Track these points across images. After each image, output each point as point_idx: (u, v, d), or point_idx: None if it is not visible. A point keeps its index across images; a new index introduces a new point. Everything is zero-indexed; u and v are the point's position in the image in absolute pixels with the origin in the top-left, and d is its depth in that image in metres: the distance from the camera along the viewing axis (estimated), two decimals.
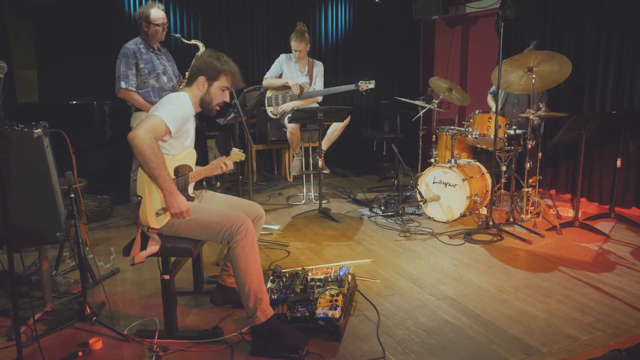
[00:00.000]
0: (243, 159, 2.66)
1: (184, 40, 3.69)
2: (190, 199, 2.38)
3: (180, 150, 2.33)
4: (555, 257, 3.31)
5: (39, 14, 4.85)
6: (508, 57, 3.69)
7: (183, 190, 2.32)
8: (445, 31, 6.61)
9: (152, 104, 3.33)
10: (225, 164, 2.54)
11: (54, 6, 4.84)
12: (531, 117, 3.82)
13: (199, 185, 3.43)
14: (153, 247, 2.21)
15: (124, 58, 3.56)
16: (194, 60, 2.40)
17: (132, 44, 3.61)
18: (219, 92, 2.38)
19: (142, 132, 2.06)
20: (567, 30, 4.72)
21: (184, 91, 2.39)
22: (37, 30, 4.92)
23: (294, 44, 4.67)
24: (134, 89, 3.57)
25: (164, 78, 3.68)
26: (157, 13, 3.61)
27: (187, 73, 2.60)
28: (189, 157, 2.38)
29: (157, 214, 2.21)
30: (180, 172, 2.31)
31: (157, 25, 3.60)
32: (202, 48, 3.60)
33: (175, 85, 3.78)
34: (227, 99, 2.45)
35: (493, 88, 4.78)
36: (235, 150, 2.64)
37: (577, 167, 3.87)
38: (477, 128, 4.17)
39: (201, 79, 2.34)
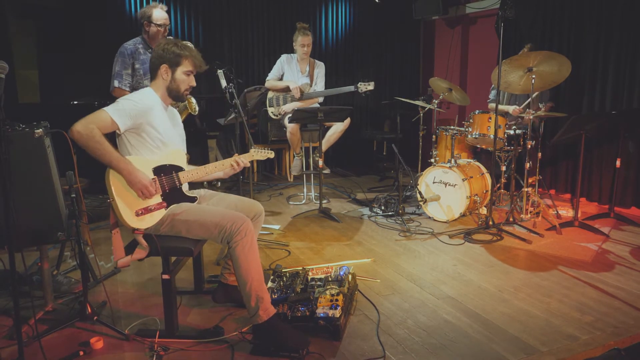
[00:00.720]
0: (272, 156, 2.61)
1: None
2: (189, 199, 2.38)
3: (158, 149, 2.32)
4: (555, 257, 3.32)
5: (40, 14, 4.86)
6: (508, 58, 3.70)
7: (174, 190, 2.32)
8: (445, 31, 6.62)
9: None
10: (237, 163, 2.47)
11: (55, 7, 4.84)
12: (531, 117, 3.82)
13: (198, 185, 3.44)
14: (139, 254, 2.22)
15: (120, 57, 3.57)
16: (152, 52, 2.37)
17: (130, 44, 3.61)
18: (184, 77, 2.37)
19: (79, 125, 2.08)
20: (567, 30, 4.73)
21: (148, 86, 2.39)
22: (38, 30, 4.93)
23: (301, 40, 4.66)
24: (127, 89, 3.57)
25: None
26: (159, 13, 3.60)
27: None
28: (173, 157, 2.36)
29: (138, 215, 2.20)
30: (164, 171, 2.30)
31: (159, 25, 3.59)
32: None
33: None
34: (194, 84, 2.42)
35: (493, 94, 4.78)
36: (255, 148, 2.57)
37: (577, 167, 3.88)
38: (477, 128, 4.18)
39: (163, 67, 2.33)
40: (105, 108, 2.17)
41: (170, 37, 3.61)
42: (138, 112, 2.23)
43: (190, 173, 2.38)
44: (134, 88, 3.60)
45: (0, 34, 4.52)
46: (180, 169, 2.36)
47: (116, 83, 3.55)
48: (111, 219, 2.25)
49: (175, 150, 2.39)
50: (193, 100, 3.42)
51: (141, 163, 2.24)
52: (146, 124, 2.26)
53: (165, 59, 2.33)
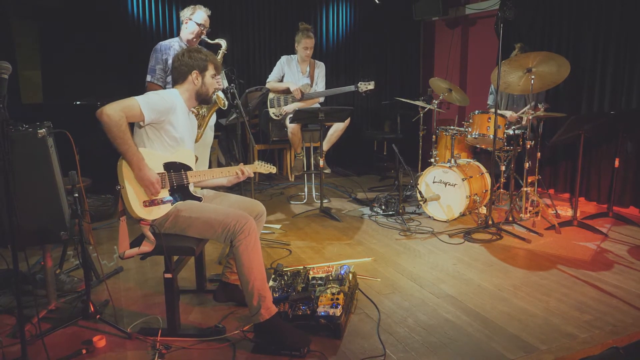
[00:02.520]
0: (274, 172, 2.74)
1: (208, 40, 3.73)
2: (194, 198, 2.41)
3: (171, 147, 2.36)
4: (554, 256, 3.34)
5: (43, 15, 4.87)
6: (507, 58, 3.72)
7: (181, 187, 2.36)
8: (445, 32, 6.64)
9: None
10: (242, 171, 2.55)
11: (58, 7, 4.86)
12: (530, 117, 3.84)
13: None
14: (146, 248, 2.24)
15: (154, 53, 3.64)
16: (175, 62, 2.47)
17: (166, 42, 3.69)
18: (211, 80, 2.50)
19: (110, 109, 2.12)
20: (566, 31, 4.75)
21: (174, 89, 2.46)
22: (41, 31, 4.94)
23: (305, 42, 4.67)
24: (159, 83, 3.64)
25: None
26: (201, 14, 3.64)
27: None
28: (183, 156, 2.41)
29: (145, 205, 2.23)
30: (174, 168, 2.35)
31: (199, 24, 3.62)
32: (224, 45, 3.62)
33: None
34: (220, 85, 2.59)
35: (491, 99, 4.80)
36: (260, 162, 2.69)
37: (576, 166, 3.90)
38: (476, 128, 4.19)
39: (195, 73, 2.43)
40: (136, 97, 2.24)
41: (184, 46, 3.60)
42: (164, 109, 2.30)
43: (198, 173, 2.43)
44: (166, 83, 3.68)
45: (3, 35, 4.53)
46: (189, 168, 2.41)
47: (149, 77, 3.64)
48: (119, 206, 2.28)
49: (186, 150, 2.44)
50: (221, 95, 3.45)
51: (153, 157, 2.29)
52: (167, 122, 2.32)
53: (195, 66, 2.43)
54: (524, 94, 4.35)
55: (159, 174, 2.27)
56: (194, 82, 2.45)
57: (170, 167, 2.34)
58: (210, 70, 2.48)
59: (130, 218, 2.26)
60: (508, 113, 4.51)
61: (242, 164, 2.61)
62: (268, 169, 2.72)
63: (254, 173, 2.90)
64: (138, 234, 2.30)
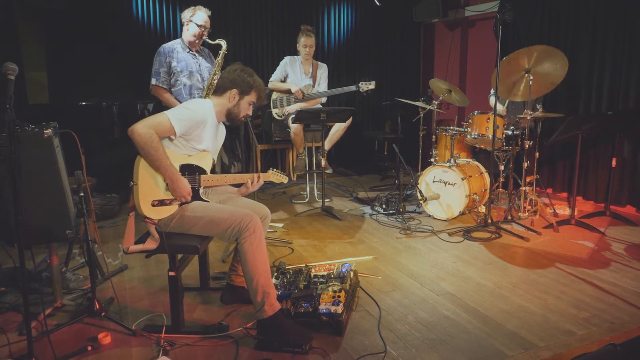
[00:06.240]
0: (285, 181, 2.70)
1: (209, 40, 3.76)
2: (202, 201, 2.42)
3: (192, 152, 2.38)
4: (552, 254, 3.37)
5: (48, 16, 4.90)
6: (505, 57, 3.74)
7: (191, 190, 2.36)
8: (445, 34, 6.67)
9: (182, 102, 3.38)
10: (255, 178, 2.54)
11: (63, 9, 4.89)
12: (528, 117, 3.87)
13: None
14: (150, 245, 2.28)
15: (157, 56, 3.68)
16: (225, 72, 2.48)
17: (169, 44, 3.73)
18: (247, 106, 2.50)
19: (141, 127, 2.15)
20: (564, 32, 4.78)
21: (209, 99, 2.48)
22: (47, 32, 4.97)
23: (304, 40, 4.73)
24: (164, 86, 3.66)
25: (197, 76, 3.74)
26: (202, 14, 3.68)
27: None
28: (201, 159, 2.42)
29: (153, 205, 2.26)
30: (189, 170, 2.36)
31: (199, 25, 3.65)
32: (224, 46, 3.64)
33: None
34: (250, 113, 2.55)
35: (493, 91, 4.83)
36: (274, 170, 2.66)
37: (574, 166, 3.93)
38: (476, 128, 4.23)
39: (234, 91, 2.44)
40: (166, 112, 2.25)
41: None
42: (195, 123, 2.31)
43: (211, 178, 2.44)
44: (172, 86, 3.70)
45: (10, 37, 4.56)
46: (204, 171, 2.42)
47: (153, 81, 3.67)
48: (130, 202, 2.31)
49: (205, 153, 2.45)
50: None
51: (172, 156, 2.29)
52: (196, 135, 2.35)
53: (237, 85, 2.44)
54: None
55: None
56: (229, 100, 2.45)
57: (186, 169, 2.35)
58: (251, 97, 2.47)
59: (138, 215, 2.29)
60: (500, 107, 4.50)
61: (258, 174, 2.58)
62: (280, 178, 2.70)
63: (256, 163, 2.89)
64: (144, 231, 2.34)
